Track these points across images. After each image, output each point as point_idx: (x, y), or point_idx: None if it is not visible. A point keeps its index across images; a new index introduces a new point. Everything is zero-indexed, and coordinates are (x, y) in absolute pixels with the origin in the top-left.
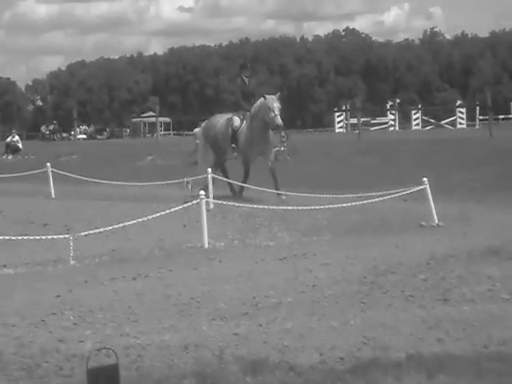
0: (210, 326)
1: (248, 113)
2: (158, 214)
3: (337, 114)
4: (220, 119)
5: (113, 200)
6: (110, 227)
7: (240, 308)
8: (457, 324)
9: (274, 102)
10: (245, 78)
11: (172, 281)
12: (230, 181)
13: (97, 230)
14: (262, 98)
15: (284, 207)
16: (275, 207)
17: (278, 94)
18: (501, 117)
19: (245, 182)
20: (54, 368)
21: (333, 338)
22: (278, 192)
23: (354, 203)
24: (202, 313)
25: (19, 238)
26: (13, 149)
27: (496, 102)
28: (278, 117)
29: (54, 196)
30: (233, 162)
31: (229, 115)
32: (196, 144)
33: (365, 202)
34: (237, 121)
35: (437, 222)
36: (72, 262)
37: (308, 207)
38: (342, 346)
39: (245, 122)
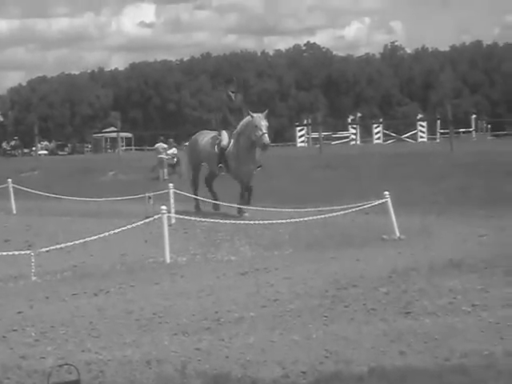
0: (172, 341)
1: (235, 130)
2: (119, 230)
3: (298, 128)
4: (205, 137)
5: (74, 216)
6: (72, 243)
7: (202, 323)
8: (418, 337)
9: (262, 120)
10: (231, 94)
11: (134, 296)
12: (197, 197)
13: (58, 246)
14: (249, 117)
15: (246, 221)
16: (237, 221)
17: (266, 112)
18: (461, 130)
19: (247, 198)
20: None
21: (295, 352)
22: (241, 208)
23: (315, 217)
24: (164, 328)
25: None
26: None
27: (456, 116)
28: (266, 135)
29: (15, 212)
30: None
31: (214, 133)
32: (158, 159)
33: (326, 215)
34: (225, 139)
35: (398, 235)
36: (33, 278)
37: (270, 221)
38: (305, 360)
39: (232, 140)
